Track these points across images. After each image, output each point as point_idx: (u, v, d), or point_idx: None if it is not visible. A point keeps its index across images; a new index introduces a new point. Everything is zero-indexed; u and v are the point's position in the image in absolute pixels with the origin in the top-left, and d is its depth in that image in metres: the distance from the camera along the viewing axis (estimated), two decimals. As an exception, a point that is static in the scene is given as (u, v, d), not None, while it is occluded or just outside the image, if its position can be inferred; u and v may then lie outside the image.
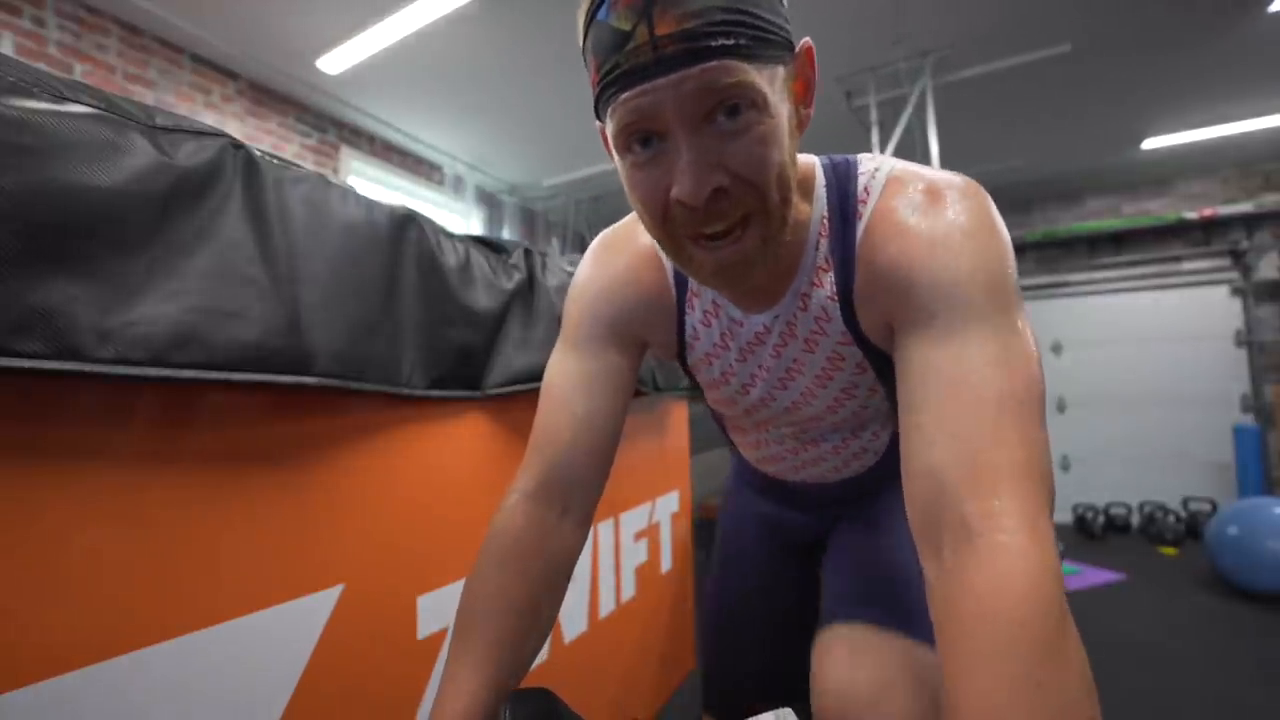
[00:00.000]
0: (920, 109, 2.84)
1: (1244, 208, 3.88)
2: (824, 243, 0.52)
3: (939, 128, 2.89)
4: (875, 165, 0.52)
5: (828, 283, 0.53)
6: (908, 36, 2.56)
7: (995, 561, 0.35)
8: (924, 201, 0.47)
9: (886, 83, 2.87)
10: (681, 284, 0.61)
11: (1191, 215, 3.99)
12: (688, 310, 0.61)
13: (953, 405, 0.41)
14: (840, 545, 0.76)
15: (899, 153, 2.93)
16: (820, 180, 0.53)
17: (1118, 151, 3.78)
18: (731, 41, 0.38)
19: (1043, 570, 0.34)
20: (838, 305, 0.53)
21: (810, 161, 0.54)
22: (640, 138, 0.42)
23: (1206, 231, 4.05)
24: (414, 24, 2.45)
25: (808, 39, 0.46)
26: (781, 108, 0.43)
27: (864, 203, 0.50)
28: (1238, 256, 3.95)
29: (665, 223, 0.45)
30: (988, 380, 0.40)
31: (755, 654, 0.84)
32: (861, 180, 0.51)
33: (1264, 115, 3.27)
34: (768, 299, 0.56)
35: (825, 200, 0.52)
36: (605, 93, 0.41)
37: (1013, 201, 4.64)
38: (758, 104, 0.40)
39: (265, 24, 2.50)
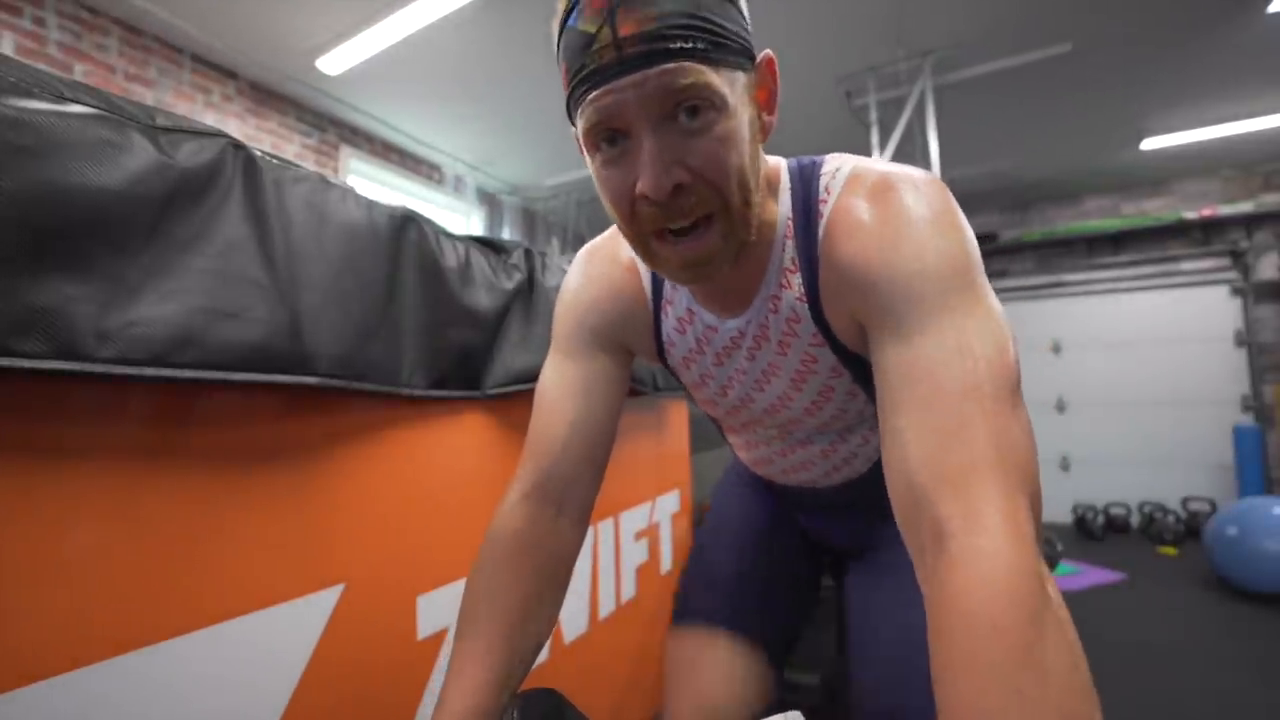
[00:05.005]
0: (920, 109, 2.84)
1: (1244, 208, 3.89)
2: (790, 244, 0.52)
3: (939, 128, 2.89)
4: (837, 165, 0.52)
5: (796, 284, 0.53)
6: (908, 36, 2.56)
7: (969, 565, 0.34)
8: (878, 196, 0.48)
9: (886, 83, 2.87)
10: (657, 292, 0.62)
11: (1191, 215, 3.99)
12: (662, 317, 0.62)
13: (920, 404, 0.40)
14: (860, 614, 0.73)
15: (899, 152, 2.93)
16: (786, 182, 0.53)
17: (1117, 152, 3.78)
18: (690, 45, 0.40)
19: (1018, 571, 0.33)
20: (806, 306, 0.53)
21: (777, 163, 0.54)
22: (607, 136, 0.43)
23: (1206, 231, 4.05)
24: (414, 24, 2.45)
25: (769, 50, 0.47)
26: (742, 111, 0.44)
27: (825, 202, 0.50)
28: (1237, 256, 3.96)
29: (633, 219, 0.46)
30: (952, 374, 0.40)
31: (720, 569, 0.85)
32: (824, 180, 0.51)
33: (1263, 115, 3.27)
34: (739, 303, 0.56)
35: (791, 202, 0.52)
36: (575, 93, 0.43)
37: (1012, 201, 4.64)
38: (716, 105, 0.42)
39: (265, 24, 2.50)
